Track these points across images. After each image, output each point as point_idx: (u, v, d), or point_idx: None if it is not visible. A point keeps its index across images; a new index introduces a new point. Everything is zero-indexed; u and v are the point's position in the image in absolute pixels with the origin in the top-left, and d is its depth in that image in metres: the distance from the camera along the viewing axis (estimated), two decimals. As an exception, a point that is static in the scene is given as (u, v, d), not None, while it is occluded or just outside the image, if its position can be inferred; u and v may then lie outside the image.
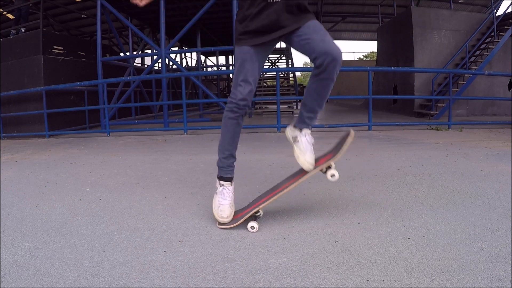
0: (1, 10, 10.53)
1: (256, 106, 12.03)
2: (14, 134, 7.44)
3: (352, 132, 1.85)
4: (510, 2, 9.83)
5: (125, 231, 1.85)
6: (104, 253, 1.60)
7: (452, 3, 10.86)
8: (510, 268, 1.35)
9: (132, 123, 8.65)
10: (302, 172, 1.92)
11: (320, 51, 1.68)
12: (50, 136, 6.94)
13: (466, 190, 2.41)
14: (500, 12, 10.62)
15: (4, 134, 7.36)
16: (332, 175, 1.82)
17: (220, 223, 1.85)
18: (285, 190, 1.85)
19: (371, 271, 1.37)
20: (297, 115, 1.98)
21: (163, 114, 7.74)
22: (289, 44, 1.84)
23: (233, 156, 1.93)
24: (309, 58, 1.74)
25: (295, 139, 1.94)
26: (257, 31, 1.74)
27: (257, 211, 1.83)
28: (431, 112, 8.69)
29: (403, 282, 1.29)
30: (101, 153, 4.52)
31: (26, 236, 1.80)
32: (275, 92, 10.87)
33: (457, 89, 8.82)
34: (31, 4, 9.05)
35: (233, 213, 1.86)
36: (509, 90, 9.80)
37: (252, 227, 1.78)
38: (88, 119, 8.43)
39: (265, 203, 1.82)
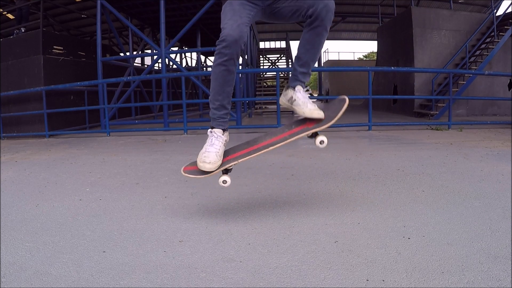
0: (1, 10, 10.52)
1: (256, 106, 12.03)
2: (14, 134, 7.44)
3: (347, 100, 1.76)
4: (510, 2, 9.83)
5: (125, 231, 1.85)
6: (104, 253, 1.59)
7: (452, 3, 10.85)
8: (510, 268, 1.35)
9: (132, 123, 8.65)
10: (297, 125, 1.79)
11: (313, 1, 1.65)
12: (50, 136, 6.94)
13: (466, 190, 2.41)
14: (500, 12, 10.62)
15: (4, 134, 7.35)
16: (321, 142, 1.71)
17: (203, 169, 1.69)
18: (272, 147, 1.71)
19: (371, 271, 1.37)
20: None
21: (163, 114, 7.74)
22: (279, 14, 1.78)
23: (224, 107, 1.79)
24: (300, 15, 1.70)
25: (291, 100, 1.83)
26: None
27: (230, 166, 1.69)
28: (431, 112, 8.68)
29: (403, 282, 1.29)
30: (101, 153, 4.52)
31: (26, 236, 1.80)
32: (275, 92, 10.87)
33: (457, 89, 8.82)
34: (31, 4, 9.04)
35: (218, 163, 1.70)
36: (509, 90, 9.79)
37: (224, 181, 1.68)
38: (88, 119, 8.42)
39: (245, 158, 1.68)
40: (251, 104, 11.25)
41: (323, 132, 1.76)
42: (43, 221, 2.02)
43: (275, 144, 1.69)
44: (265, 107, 12.26)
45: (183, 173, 1.77)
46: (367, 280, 1.31)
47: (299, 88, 1.82)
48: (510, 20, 9.60)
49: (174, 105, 12.66)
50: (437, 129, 6.03)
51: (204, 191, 2.56)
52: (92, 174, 3.25)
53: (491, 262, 1.40)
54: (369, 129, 6.15)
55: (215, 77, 1.73)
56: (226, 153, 1.81)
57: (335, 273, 1.37)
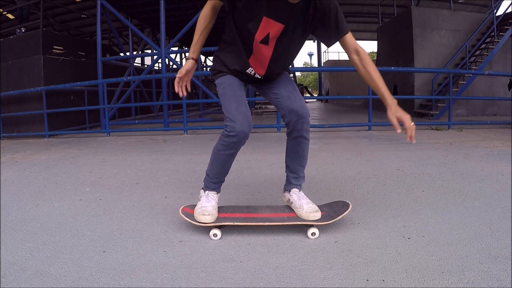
0: (1, 10, 10.53)
1: (256, 106, 12.02)
2: (14, 134, 7.44)
3: (351, 206, 1.81)
4: (510, 2, 9.83)
5: (125, 231, 1.85)
6: (104, 253, 1.60)
7: (452, 3, 10.85)
8: (510, 268, 1.35)
9: (132, 123, 8.65)
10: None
11: (287, 109, 1.69)
12: (50, 136, 6.94)
13: (466, 190, 2.41)
14: (500, 12, 10.63)
15: (4, 134, 7.35)
16: (313, 233, 1.71)
17: (200, 222, 1.75)
18: (268, 223, 1.75)
19: (371, 271, 1.37)
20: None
21: (163, 114, 7.74)
22: (261, 93, 1.87)
23: (221, 181, 1.87)
24: (280, 115, 1.77)
25: (288, 201, 1.89)
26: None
27: (226, 224, 1.77)
28: (431, 112, 8.68)
29: (403, 282, 1.29)
30: (101, 153, 4.52)
31: (26, 236, 1.80)
32: (275, 92, 10.84)
33: (457, 89, 8.82)
34: (31, 4, 9.04)
35: (215, 215, 1.76)
36: (509, 90, 9.79)
37: (215, 235, 1.73)
38: (88, 119, 8.42)
39: (246, 223, 1.75)
40: (251, 104, 11.25)
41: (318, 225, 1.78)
42: (43, 221, 2.02)
43: (272, 222, 1.74)
44: (265, 107, 12.24)
45: (180, 213, 1.82)
46: (367, 280, 1.31)
47: (294, 190, 1.87)
48: (510, 20, 9.60)
49: (174, 105, 12.66)
50: (437, 129, 6.04)
51: (204, 191, 2.56)
52: (92, 174, 3.25)
53: (491, 262, 1.40)
54: (369, 129, 6.15)
55: (219, 161, 1.76)
56: (225, 209, 1.89)
57: (335, 273, 1.38)
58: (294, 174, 1.87)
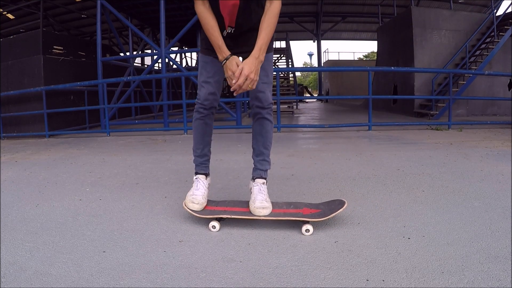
0: (1, 10, 10.53)
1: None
2: (14, 134, 7.44)
3: (346, 204, 1.83)
4: (510, 2, 9.83)
5: (125, 231, 1.85)
6: (104, 253, 1.60)
7: (452, 3, 10.85)
8: (510, 268, 1.35)
9: (132, 123, 8.65)
10: (295, 208, 1.89)
11: (252, 94, 1.81)
12: (50, 136, 6.94)
13: (466, 190, 2.41)
14: (500, 12, 10.62)
15: (4, 134, 7.36)
16: (307, 230, 1.74)
17: (190, 209, 1.87)
18: (264, 217, 1.82)
19: (371, 271, 1.37)
20: None
21: (163, 114, 7.74)
22: None
23: (205, 155, 2.00)
24: None
25: (250, 190, 1.94)
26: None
27: (224, 217, 1.84)
28: (431, 112, 8.69)
29: (403, 282, 1.29)
30: (101, 153, 4.52)
31: (26, 236, 1.80)
32: (275, 92, 10.88)
33: (457, 89, 8.82)
34: (31, 4, 9.05)
35: (204, 203, 1.89)
36: (509, 90, 9.80)
37: (213, 226, 1.81)
38: (88, 119, 8.43)
39: (237, 216, 1.82)
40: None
41: (313, 222, 1.80)
42: (43, 221, 2.02)
43: (268, 216, 1.80)
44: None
45: (184, 206, 1.93)
46: (367, 280, 1.31)
47: (258, 181, 1.92)
48: (510, 20, 9.60)
49: (174, 105, 12.66)
50: (437, 129, 6.04)
51: (204, 191, 2.56)
52: (92, 174, 3.25)
53: (491, 262, 1.40)
54: (369, 129, 6.15)
55: (196, 130, 1.96)
56: (227, 203, 1.98)
57: (335, 273, 1.38)
58: (258, 157, 1.94)
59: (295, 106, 13.13)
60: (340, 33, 24.24)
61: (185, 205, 1.91)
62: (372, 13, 17.76)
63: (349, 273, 1.37)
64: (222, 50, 1.70)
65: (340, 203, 1.84)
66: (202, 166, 2.01)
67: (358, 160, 3.51)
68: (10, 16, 12.50)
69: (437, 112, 8.50)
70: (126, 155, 4.28)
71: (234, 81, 1.65)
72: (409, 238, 1.66)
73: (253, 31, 1.75)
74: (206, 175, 2.01)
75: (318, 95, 25.61)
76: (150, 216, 2.07)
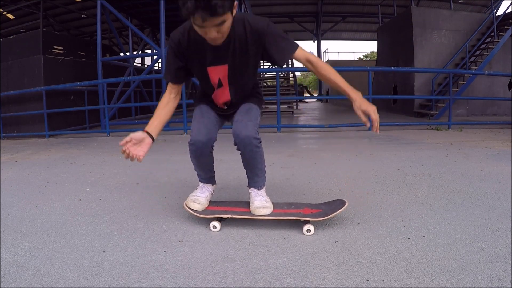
0: (1, 10, 10.53)
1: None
2: (14, 134, 7.44)
3: (347, 204, 1.83)
4: (510, 2, 9.83)
5: (125, 231, 1.85)
6: (104, 253, 1.60)
7: (452, 3, 10.86)
8: (510, 268, 1.35)
9: (132, 123, 8.65)
10: (295, 208, 1.91)
11: (233, 133, 1.77)
12: (50, 136, 6.94)
13: (466, 190, 2.41)
14: (500, 12, 10.62)
15: (4, 134, 7.36)
16: (308, 230, 1.75)
17: (190, 208, 1.87)
18: (264, 217, 1.84)
19: (371, 271, 1.37)
20: None
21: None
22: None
23: (208, 174, 1.96)
24: None
25: (249, 195, 1.94)
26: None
27: (225, 216, 1.85)
28: (431, 112, 8.69)
29: (403, 282, 1.29)
30: (101, 153, 4.52)
31: (26, 236, 1.80)
32: (275, 92, 10.87)
33: (457, 89, 8.82)
34: (31, 4, 9.06)
35: (206, 205, 1.90)
36: (509, 90, 9.80)
37: (214, 227, 1.82)
38: (88, 119, 8.43)
39: (239, 216, 1.83)
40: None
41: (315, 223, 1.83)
42: (43, 221, 2.02)
43: (269, 216, 1.81)
44: (265, 107, 12.26)
45: (184, 206, 1.94)
46: (367, 280, 1.31)
47: (252, 189, 1.93)
48: (510, 20, 9.60)
49: (174, 105, 12.63)
50: (437, 129, 6.04)
51: (204, 191, 2.56)
52: (92, 174, 3.25)
53: (491, 262, 1.40)
54: (369, 129, 6.15)
55: (195, 163, 1.90)
56: (228, 204, 1.99)
57: (335, 273, 1.38)
58: (253, 178, 1.93)
59: (295, 106, 13.13)
60: (340, 33, 24.24)
61: (186, 205, 1.91)
62: (372, 13, 17.76)
63: (349, 273, 1.37)
64: (149, 124, 1.74)
65: (341, 203, 1.84)
66: (209, 179, 1.99)
67: (358, 160, 3.51)
68: (10, 16, 12.50)
69: (437, 112, 8.51)
70: (126, 155, 4.27)
71: (374, 125, 1.66)
72: (409, 238, 1.66)
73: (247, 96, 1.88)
74: (213, 184, 2.02)
75: (318, 95, 25.61)
76: (150, 216, 2.07)
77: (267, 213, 1.81)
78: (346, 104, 17.22)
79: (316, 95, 27.64)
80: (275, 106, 6.11)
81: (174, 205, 2.26)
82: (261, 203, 1.82)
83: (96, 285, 1.33)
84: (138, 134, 1.66)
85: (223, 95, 1.82)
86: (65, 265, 1.48)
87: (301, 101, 19.51)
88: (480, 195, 2.29)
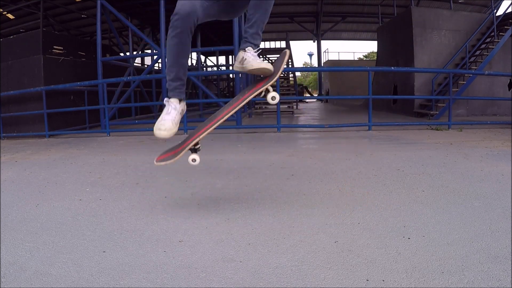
0: (1, 10, 10.53)
1: (256, 106, 12.02)
2: (14, 134, 7.44)
3: (288, 52, 1.88)
4: (510, 2, 9.83)
5: (125, 231, 1.85)
6: (104, 253, 1.59)
7: (452, 3, 10.85)
8: (510, 268, 1.35)
9: (132, 123, 8.64)
10: (251, 88, 1.90)
11: None
12: (50, 136, 6.94)
13: (466, 190, 2.41)
14: (500, 12, 10.61)
15: (4, 134, 7.35)
16: (273, 97, 1.77)
17: (158, 136, 1.77)
18: (232, 112, 1.82)
19: (371, 271, 1.37)
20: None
21: (163, 114, 7.73)
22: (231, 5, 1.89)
23: (180, 78, 1.85)
24: None
25: (242, 60, 1.84)
26: None
27: (197, 144, 1.79)
28: (431, 112, 8.68)
29: (403, 282, 1.29)
30: (101, 153, 4.52)
31: (26, 236, 1.80)
32: (275, 92, 10.87)
33: (457, 89, 8.82)
34: (31, 4, 9.06)
35: (173, 130, 1.78)
36: (509, 90, 9.79)
37: (194, 160, 1.78)
38: (88, 119, 8.42)
39: (207, 132, 1.78)
40: (251, 104, 11.24)
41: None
42: (43, 221, 2.02)
43: (234, 108, 1.79)
44: (265, 107, 12.24)
45: (156, 163, 1.86)
46: (367, 280, 1.31)
47: (249, 49, 1.84)
48: (510, 20, 9.60)
49: (174, 105, 12.62)
50: (437, 129, 6.03)
51: (204, 191, 2.57)
52: (92, 174, 3.25)
53: (491, 262, 1.40)
54: (369, 129, 6.15)
55: (170, 49, 1.78)
56: (190, 133, 1.93)
57: (335, 273, 1.37)
58: (252, 29, 1.82)
59: (295, 106, 13.11)
60: (340, 33, 24.21)
61: (154, 133, 1.80)
62: (372, 13, 17.74)
63: (349, 273, 1.37)
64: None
65: (283, 54, 1.90)
66: (176, 91, 1.85)
67: (358, 160, 3.50)
68: (10, 16, 12.50)
69: (437, 112, 8.50)
70: (126, 155, 4.27)
71: None
72: (409, 238, 1.66)
73: None
74: (180, 100, 1.87)
75: (318, 95, 25.59)
76: (150, 216, 2.07)
77: (271, 67, 1.80)
78: (346, 104, 17.22)
79: (316, 95, 27.63)
80: (275, 106, 6.10)
81: (174, 205, 2.26)
82: (264, 62, 1.80)
83: (96, 285, 1.33)
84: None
85: None
86: (65, 265, 1.48)
87: (301, 101, 19.51)
88: (480, 195, 2.29)
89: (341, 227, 1.82)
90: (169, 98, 1.86)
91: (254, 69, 1.78)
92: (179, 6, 1.69)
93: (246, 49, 1.83)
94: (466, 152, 3.81)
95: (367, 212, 2.02)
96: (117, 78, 7.56)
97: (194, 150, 1.81)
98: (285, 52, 1.93)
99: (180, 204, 2.27)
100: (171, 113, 1.81)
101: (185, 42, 1.75)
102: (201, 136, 1.79)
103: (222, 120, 1.80)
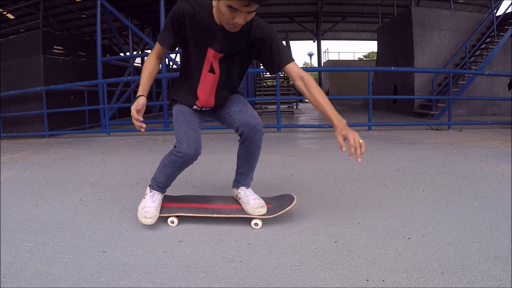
0: (1, 10, 10.52)
1: (256, 106, 12.02)
2: (14, 134, 7.44)
3: (295, 200, 1.88)
4: (510, 2, 9.83)
5: (125, 231, 1.85)
6: (104, 253, 1.60)
7: (452, 3, 10.85)
8: (510, 268, 1.35)
9: (132, 123, 8.63)
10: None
11: (239, 122, 1.77)
12: (50, 136, 6.94)
13: (466, 190, 2.41)
14: (500, 12, 10.63)
15: (4, 134, 7.35)
16: (256, 224, 1.83)
17: (144, 223, 1.84)
18: (216, 215, 1.88)
19: (371, 271, 1.37)
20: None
21: (163, 114, 7.74)
22: (217, 119, 1.96)
23: (167, 186, 1.94)
24: (234, 130, 1.83)
25: (236, 197, 1.98)
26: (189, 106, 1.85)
27: (181, 215, 1.87)
28: (431, 112, 8.69)
29: (403, 282, 1.29)
30: (101, 153, 4.52)
31: (26, 236, 1.80)
32: (275, 92, 10.87)
33: (457, 89, 8.82)
34: (31, 4, 9.06)
35: (157, 216, 1.85)
36: (509, 90, 9.80)
37: (172, 222, 1.84)
38: (88, 119, 8.43)
39: (194, 214, 1.86)
40: (251, 104, 11.27)
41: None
42: (43, 221, 2.02)
43: (220, 213, 1.86)
44: (265, 107, 12.26)
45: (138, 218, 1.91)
46: (367, 280, 1.31)
47: (242, 188, 1.95)
48: (510, 20, 9.60)
49: (174, 105, 12.63)
50: (437, 129, 6.04)
51: (204, 191, 2.57)
52: (92, 174, 3.25)
53: (491, 262, 1.40)
54: (369, 129, 6.15)
55: (166, 173, 1.84)
56: (183, 199, 2.01)
57: (335, 273, 1.37)
58: (242, 175, 1.95)
59: (295, 106, 13.13)
60: (340, 33, 24.21)
61: (139, 219, 1.87)
62: (372, 13, 17.74)
63: (349, 273, 1.37)
64: (140, 89, 1.74)
65: (290, 199, 1.88)
66: (162, 189, 1.94)
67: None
68: (10, 16, 12.50)
69: (437, 112, 8.51)
70: (126, 155, 4.27)
71: (351, 151, 1.63)
72: (409, 238, 1.66)
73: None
74: (163, 193, 1.97)
75: (318, 95, 25.54)
76: (150, 216, 2.06)
77: (264, 212, 1.83)
78: (346, 104, 17.23)
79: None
80: (275, 106, 6.10)
81: (174, 205, 2.26)
82: (256, 202, 1.85)
83: (96, 285, 1.33)
84: (144, 101, 1.71)
85: (208, 85, 1.76)
86: (65, 265, 1.48)
87: (301, 101, 19.51)
88: (480, 195, 2.29)
89: (341, 227, 1.82)
90: (153, 189, 1.92)
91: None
92: (184, 150, 1.69)
93: (238, 188, 1.96)
94: (466, 152, 3.81)
95: (367, 212, 2.02)
96: (117, 78, 7.56)
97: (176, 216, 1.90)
98: (293, 199, 1.91)
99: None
100: (155, 202, 1.88)
101: (183, 168, 1.82)
102: (187, 214, 1.88)
103: (212, 215, 1.88)
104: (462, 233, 1.70)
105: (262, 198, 1.95)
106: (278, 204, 1.90)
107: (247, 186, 1.97)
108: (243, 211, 1.87)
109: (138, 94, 1.73)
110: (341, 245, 1.62)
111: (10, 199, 2.50)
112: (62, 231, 1.86)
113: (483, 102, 9.58)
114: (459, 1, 13.82)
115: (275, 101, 6.13)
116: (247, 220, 1.88)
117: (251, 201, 1.86)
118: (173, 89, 1.94)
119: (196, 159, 1.74)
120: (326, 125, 6.85)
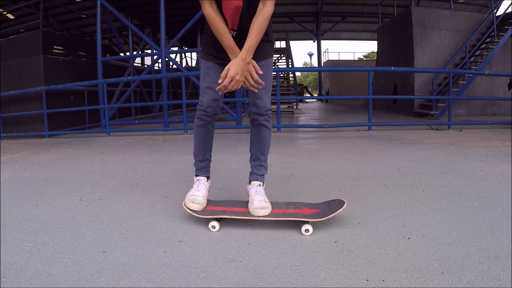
0: (1, 10, 10.52)
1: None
2: (14, 134, 7.44)
3: (346, 204, 1.83)
4: (510, 2, 9.83)
5: (125, 231, 1.85)
6: (104, 253, 1.60)
7: (452, 3, 10.85)
8: (510, 268, 1.35)
9: (132, 123, 8.65)
10: (294, 208, 1.92)
11: (250, 101, 1.84)
12: (50, 136, 6.94)
13: (466, 190, 2.41)
14: (500, 12, 10.62)
15: (4, 134, 7.35)
16: (306, 230, 1.75)
17: (190, 209, 1.88)
18: (263, 218, 1.85)
19: (371, 271, 1.37)
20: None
21: (163, 114, 7.74)
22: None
23: (207, 159, 2.02)
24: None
25: (247, 194, 1.96)
26: (218, 57, 1.85)
27: (223, 217, 1.85)
28: (431, 112, 8.68)
29: (403, 282, 1.29)
30: (101, 153, 4.52)
31: (26, 236, 1.80)
32: (275, 92, 10.89)
33: (457, 89, 8.82)
34: (31, 4, 9.06)
35: (204, 205, 1.90)
36: (509, 90, 9.80)
37: (213, 226, 1.82)
38: (88, 119, 8.43)
39: (237, 217, 1.83)
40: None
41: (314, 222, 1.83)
42: (43, 221, 2.02)
43: (268, 217, 1.82)
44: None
45: (183, 206, 1.94)
46: (367, 280, 1.31)
47: (254, 183, 1.95)
48: (510, 20, 9.60)
49: (174, 105, 12.66)
50: (437, 129, 6.04)
51: (204, 191, 2.56)
52: (92, 174, 3.25)
53: (491, 262, 1.40)
54: (369, 129, 6.15)
55: (198, 136, 1.97)
56: (226, 203, 2.00)
57: (335, 273, 1.38)
58: (256, 162, 1.97)
59: (295, 106, 13.13)
60: (340, 33, 24.23)
61: (185, 205, 1.91)
62: (372, 13, 17.76)
63: (349, 273, 1.37)
64: (235, 51, 1.73)
65: (340, 203, 1.84)
66: (204, 170, 2.02)
67: (358, 160, 3.50)
68: (10, 16, 12.50)
69: (437, 112, 8.50)
70: (126, 155, 4.28)
71: (220, 81, 1.68)
72: (409, 238, 1.66)
73: None
74: (207, 177, 2.03)
75: (318, 95, 25.60)
76: (150, 216, 2.07)
77: (266, 213, 1.81)
78: (346, 104, 17.24)
79: (316, 95, 27.64)
80: (275, 106, 6.10)
81: (174, 205, 2.26)
82: (260, 203, 1.82)
83: (96, 285, 1.33)
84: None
85: (233, 9, 1.71)
86: (65, 265, 1.48)
87: (301, 101, 19.52)
88: (480, 195, 2.29)
89: (341, 227, 1.82)
90: (198, 176, 2.01)
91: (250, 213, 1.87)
92: (206, 104, 1.83)
93: (251, 182, 1.96)
94: (466, 152, 3.81)
95: (367, 212, 2.02)
96: (117, 78, 7.56)
97: (218, 219, 1.87)
98: (343, 203, 1.84)
99: (180, 204, 2.27)
100: (201, 190, 1.94)
101: (211, 129, 1.95)
102: (231, 216, 1.84)
103: (256, 218, 1.83)
104: (462, 233, 1.70)
105: (312, 203, 1.93)
106: (328, 208, 1.85)
107: (261, 180, 1.95)
108: (291, 214, 1.81)
109: (244, 56, 1.68)
110: (341, 245, 1.62)
111: (10, 199, 2.50)
112: (62, 231, 1.86)
113: (483, 102, 9.58)
114: (459, 1, 13.83)
115: (275, 101, 6.14)
116: (297, 226, 1.80)
117: (256, 201, 1.84)
118: (204, 37, 1.91)
119: (218, 111, 1.87)
120: (326, 125, 6.85)
